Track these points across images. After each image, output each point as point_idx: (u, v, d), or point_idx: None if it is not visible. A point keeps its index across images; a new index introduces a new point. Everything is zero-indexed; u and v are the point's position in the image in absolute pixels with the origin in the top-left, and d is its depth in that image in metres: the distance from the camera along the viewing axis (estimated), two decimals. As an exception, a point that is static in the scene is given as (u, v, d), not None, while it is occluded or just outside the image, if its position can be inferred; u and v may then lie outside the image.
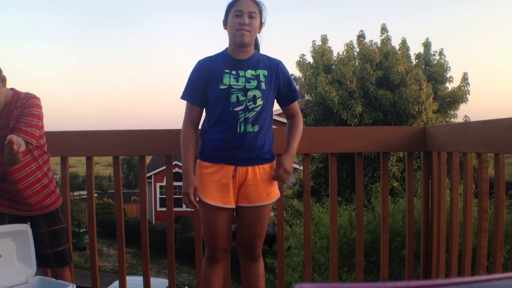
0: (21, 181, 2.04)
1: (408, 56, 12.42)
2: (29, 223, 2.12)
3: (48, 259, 2.13)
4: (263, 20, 1.99)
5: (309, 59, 12.75)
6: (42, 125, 2.02)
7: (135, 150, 2.42)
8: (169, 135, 2.29)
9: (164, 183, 21.38)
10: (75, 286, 1.96)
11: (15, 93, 2.01)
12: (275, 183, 2.03)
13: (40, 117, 1.98)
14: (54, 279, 2.06)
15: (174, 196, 2.47)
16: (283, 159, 1.97)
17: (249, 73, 1.93)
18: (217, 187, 1.94)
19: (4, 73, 1.99)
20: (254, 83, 1.92)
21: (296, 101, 2.10)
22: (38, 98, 2.02)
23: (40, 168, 2.09)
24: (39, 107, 1.99)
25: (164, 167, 2.49)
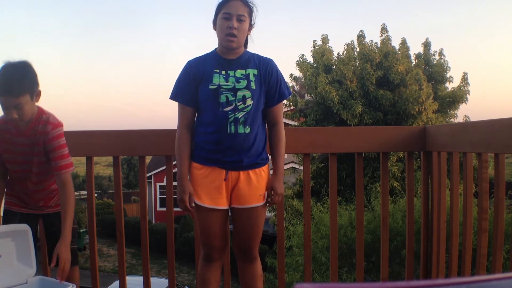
0: (43, 191, 2.16)
1: (408, 56, 12.42)
2: (41, 219, 2.22)
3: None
4: (252, 22, 1.96)
5: (309, 59, 12.77)
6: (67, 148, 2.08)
7: (135, 150, 2.42)
8: (169, 135, 2.28)
9: (164, 183, 21.37)
10: (75, 286, 1.96)
11: (40, 112, 2.01)
12: (268, 184, 2.00)
13: (65, 145, 2.03)
14: (54, 279, 2.05)
15: (174, 196, 2.46)
16: (276, 184, 1.95)
17: (239, 72, 1.91)
18: (209, 189, 1.93)
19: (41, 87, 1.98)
20: (244, 83, 1.90)
21: (282, 104, 2.04)
22: (61, 125, 2.05)
23: None
24: (62, 135, 2.03)
25: (164, 167, 2.49)
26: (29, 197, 2.16)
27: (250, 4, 1.93)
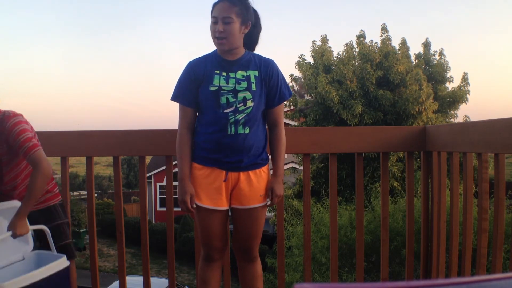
0: (17, 188, 2.14)
1: (408, 56, 12.42)
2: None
3: None
4: (246, 20, 1.89)
5: (309, 59, 12.77)
6: (32, 130, 2.03)
7: (135, 150, 2.42)
8: (169, 135, 2.29)
9: (164, 183, 21.36)
10: (65, 256, 1.94)
11: None
12: (268, 185, 2.00)
13: (25, 130, 1.99)
14: (49, 252, 2.02)
15: (174, 196, 2.46)
16: (276, 186, 1.96)
17: (240, 74, 1.91)
18: (209, 189, 1.93)
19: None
20: (244, 84, 1.89)
21: (282, 106, 2.03)
22: (16, 115, 2.01)
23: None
24: (20, 122, 1.99)
25: (164, 167, 2.49)
26: (7, 197, 2.13)
27: (237, 3, 1.87)
